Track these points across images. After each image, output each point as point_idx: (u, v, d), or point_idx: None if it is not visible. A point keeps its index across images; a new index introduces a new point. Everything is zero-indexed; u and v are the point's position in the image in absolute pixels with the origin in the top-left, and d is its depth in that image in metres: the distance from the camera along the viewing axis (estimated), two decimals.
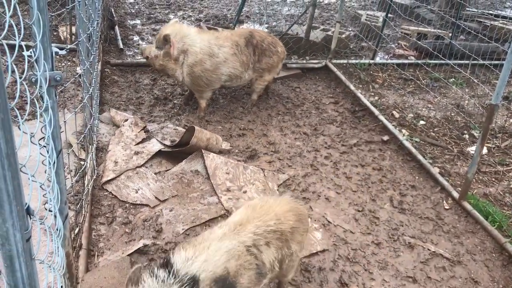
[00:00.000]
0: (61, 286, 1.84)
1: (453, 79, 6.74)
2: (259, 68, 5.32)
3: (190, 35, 5.00)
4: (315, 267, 3.45)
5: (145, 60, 5.38)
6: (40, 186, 1.67)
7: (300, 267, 3.42)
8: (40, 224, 1.48)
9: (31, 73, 1.75)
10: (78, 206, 3.46)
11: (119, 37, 7.04)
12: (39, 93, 1.73)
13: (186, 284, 2.06)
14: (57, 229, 1.98)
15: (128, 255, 3.32)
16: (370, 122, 5.44)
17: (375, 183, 4.39)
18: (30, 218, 1.21)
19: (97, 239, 3.50)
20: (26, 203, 1.19)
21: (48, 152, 1.82)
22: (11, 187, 1.03)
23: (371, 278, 3.40)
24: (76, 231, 3.31)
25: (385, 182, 4.41)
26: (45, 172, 1.79)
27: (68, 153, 3.39)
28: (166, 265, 2.14)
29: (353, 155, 4.80)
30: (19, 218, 1.07)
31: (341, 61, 6.86)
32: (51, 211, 1.90)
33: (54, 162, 1.87)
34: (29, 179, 1.41)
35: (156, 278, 2.08)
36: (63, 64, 5.91)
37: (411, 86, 6.52)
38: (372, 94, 6.15)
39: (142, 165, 4.27)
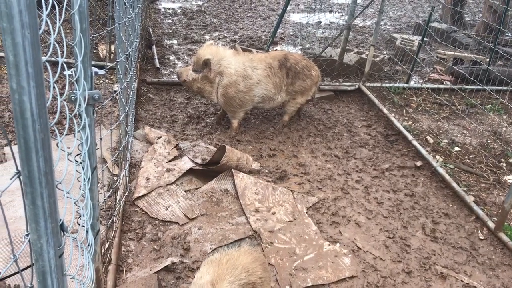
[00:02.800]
0: None
1: (490, 106, 6.59)
2: (292, 90, 5.34)
3: (226, 57, 5.08)
4: None
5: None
6: (75, 203, 1.72)
7: None
8: (73, 240, 1.51)
9: (71, 91, 1.82)
10: (110, 221, 3.53)
11: (156, 56, 7.22)
12: (78, 111, 1.79)
13: None
14: (88, 245, 2.02)
15: (156, 272, 3.34)
16: (403, 146, 5.36)
17: (407, 209, 4.30)
18: (64, 234, 1.24)
19: (126, 254, 3.54)
20: (60, 220, 1.22)
21: (83, 168, 1.87)
22: (47, 204, 1.06)
23: None
24: (106, 246, 3.37)
25: (418, 209, 4.31)
26: (80, 188, 1.84)
27: (103, 170, 3.47)
28: None
29: (385, 180, 4.73)
30: (53, 235, 1.10)
31: (375, 84, 6.82)
32: (83, 226, 1.94)
33: (89, 179, 1.92)
34: (64, 195, 1.45)
35: None
36: (101, 81, 6.09)
37: (446, 111, 6.40)
38: (406, 118, 6.07)
39: (173, 183, 4.32)
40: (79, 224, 1.98)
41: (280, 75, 5.21)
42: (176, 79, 6.06)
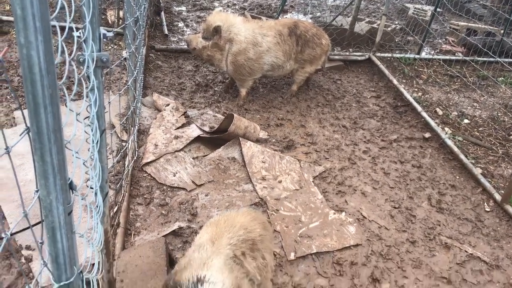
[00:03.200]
0: (98, 262, 1.91)
1: (502, 78, 6.48)
2: (301, 59, 5.29)
3: (236, 24, 5.02)
4: (347, 261, 3.42)
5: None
6: (83, 163, 1.73)
7: (332, 260, 3.42)
8: (82, 200, 1.53)
9: (79, 53, 1.81)
10: (118, 185, 3.57)
11: (164, 23, 7.15)
12: (86, 73, 1.78)
13: None
14: (97, 206, 2.05)
15: (164, 236, 3.40)
16: (412, 118, 5.32)
17: (414, 180, 4.30)
18: (72, 193, 1.26)
19: (135, 218, 3.60)
20: (69, 178, 1.23)
21: (92, 130, 1.88)
22: (55, 160, 1.07)
23: (404, 276, 3.34)
24: (115, 210, 3.42)
25: (424, 180, 4.31)
26: (88, 150, 1.85)
27: (111, 133, 3.49)
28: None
29: (393, 151, 4.72)
30: (62, 192, 1.12)
31: (385, 55, 6.72)
32: (92, 188, 1.97)
33: (98, 141, 1.93)
34: (73, 155, 1.47)
35: None
36: (109, 47, 6.06)
37: (457, 83, 6.32)
38: (416, 89, 6.00)
39: (181, 150, 4.35)
40: (88, 187, 2.01)
41: (290, 43, 5.14)
42: (185, 46, 6.01)
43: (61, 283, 1.22)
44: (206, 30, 5.06)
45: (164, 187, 3.95)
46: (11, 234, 1.33)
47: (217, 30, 4.94)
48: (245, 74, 5.14)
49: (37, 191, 1.12)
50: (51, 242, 1.17)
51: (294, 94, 5.56)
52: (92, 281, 1.85)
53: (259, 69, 5.14)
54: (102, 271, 2.27)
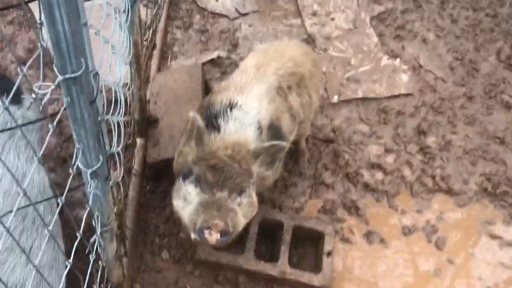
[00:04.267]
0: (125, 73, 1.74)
1: None
2: None
3: None
4: (394, 109, 3.19)
5: None
6: None
7: (377, 107, 3.19)
8: None
9: None
10: (155, 5, 3.28)
11: None
12: None
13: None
14: (124, 11, 1.81)
15: (202, 63, 3.21)
16: None
17: (485, 31, 3.78)
18: None
19: (172, 42, 3.39)
20: None
21: None
22: None
23: (453, 131, 3.11)
24: (151, 30, 3.18)
25: (497, 32, 3.78)
26: None
27: None
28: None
29: None
30: None
31: None
32: None
33: None
34: None
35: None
36: None
37: None
38: None
39: None
40: None
41: None
42: None
43: (66, 76, 1.02)
44: None
45: (205, 12, 3.65)
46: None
47: None
48: None
49: None
50: (49, 22, 0.94)
51: None
52: (117, 90, 1.70)
53: None
54: (131, 86, 2.12)
